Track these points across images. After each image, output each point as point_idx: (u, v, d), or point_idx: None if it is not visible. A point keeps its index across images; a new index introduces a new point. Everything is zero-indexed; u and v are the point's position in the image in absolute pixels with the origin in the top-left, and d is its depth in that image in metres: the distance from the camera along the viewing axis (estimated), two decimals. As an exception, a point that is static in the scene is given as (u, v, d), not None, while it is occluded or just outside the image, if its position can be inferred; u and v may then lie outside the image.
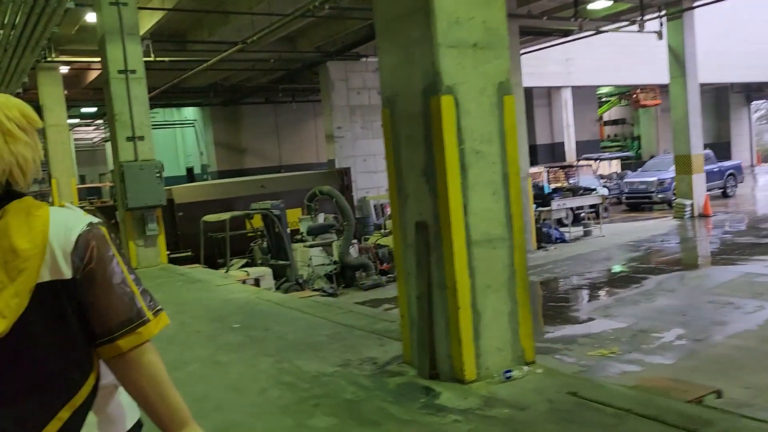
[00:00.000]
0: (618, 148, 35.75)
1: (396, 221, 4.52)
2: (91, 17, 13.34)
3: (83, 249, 1.38)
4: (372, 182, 21.53)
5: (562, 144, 27.45)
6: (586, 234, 16.99)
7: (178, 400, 1.46)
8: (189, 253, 14.24)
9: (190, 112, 28.62)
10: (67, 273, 1.36)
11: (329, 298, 7.48)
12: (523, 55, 22.68)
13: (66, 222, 1.39)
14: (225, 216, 12.22)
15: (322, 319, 6.20)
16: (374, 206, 20.61)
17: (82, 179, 34.06)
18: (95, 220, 1.43)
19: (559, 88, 26.58)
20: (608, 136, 37.65)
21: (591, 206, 18.67)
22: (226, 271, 11.68)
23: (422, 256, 4.18)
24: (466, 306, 4.01)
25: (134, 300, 1.43)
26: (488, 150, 4.15)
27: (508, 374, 4.05)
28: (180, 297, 8.10)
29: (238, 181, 17.89)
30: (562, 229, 16.75)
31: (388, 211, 21.31)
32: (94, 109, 27.26)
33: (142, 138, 11.23)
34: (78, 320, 1.39)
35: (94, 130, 33.63)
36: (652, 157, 29.14)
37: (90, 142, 35.61)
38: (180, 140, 30.32)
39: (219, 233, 14.28)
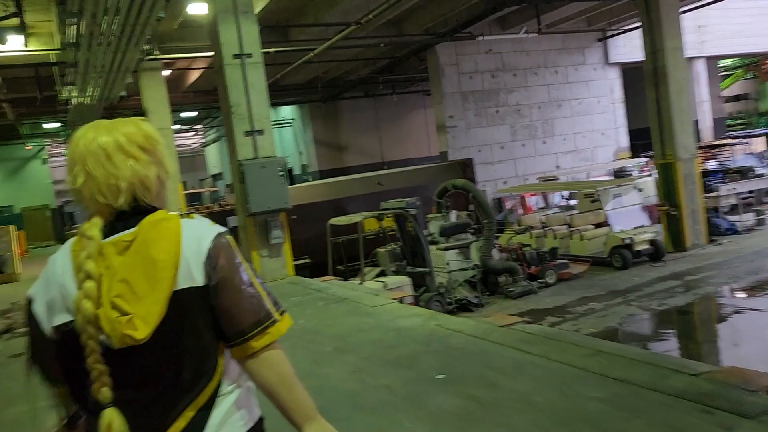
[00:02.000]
0: (742, 126, 31.93)
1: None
2: (192, 8, 11.86)
3: (214, 258, 1.44)
4: (489, 174, 19.35)
5: (695, 122, 24.20)
6: (760, 223, 14.18)
7: (305, 395, 1.50)
8: (307, 260, 12.61)
9: (287, 111, 27.31)
10: (200, 280, 1.42)
11: (537, 327, 5.42)
12: (636, 30, 19.96)
13: (197, 232, 1.46)
14: (356, 218, 10.42)
15: (566, 365, 4.17)
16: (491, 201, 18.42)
17: (184, 185, 33.63)
18: (222, 229, 1.50)
19: (691, 59, 23.38)
20: (729, 114, 33.76)
21: (750, 191, 15.80)
22: (361, 282, 9.88)
23: None
24: None
25: (262, 302, 1.47)
26: None
27: None
28: (332, 324, 6.28)
29: (352, 179, 16.17)
30: (730, 219, 14.05)
31: (507, 205, 19.10)
32: (194, 114, 26.42)
33: (261, 132, 9.58)
34: (209, 324, 1.44)
35: (193, 135, 33.01)
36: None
37: (189, 147, 35.08)
38: (278, 141, 29.06)
39: (339, 237, 12.60)
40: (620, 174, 20.00)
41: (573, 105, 21.00)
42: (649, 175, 18.91)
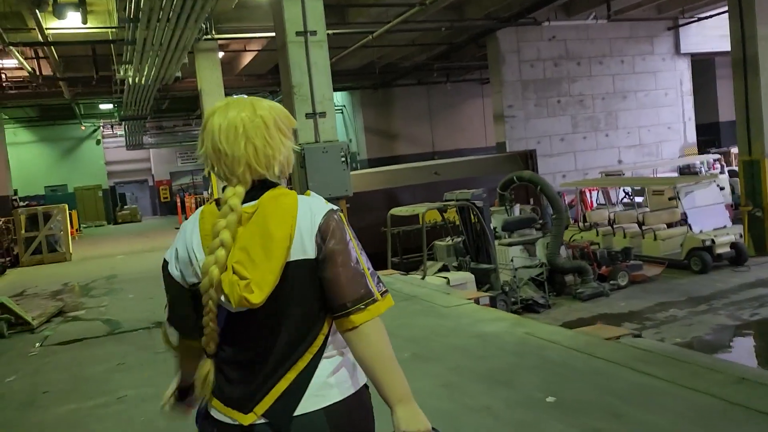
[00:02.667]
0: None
1: None
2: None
3: (325, 232, 1.51)
4: (548, 167, 18.42)
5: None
6: None
7: (401, 376, 1.54)
8: (361, 251, 12.02)
9: (337, 98, 26.76)
10: (312, 253, 1.50)
11: (651, 342, 4.71)
12: (714, 17, 18.72)
13: (311, 208, 1.53)
14: (420, 209, 9.78)
15: (703, 394, 3.46)
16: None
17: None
18: (335, 207, 1.57)
19: (766, 52, 21.95)
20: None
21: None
22: (423, 277, 9.25)
23: None
24: None
25: (365, 280, 1.53)
26: None
27: None
28: (405, 325, 5.66)
29: (407, 168, 15.51)
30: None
31: (566, 199, 18.15)
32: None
33: (323, 115, 9.00)
34: (317, 294, 1.52)
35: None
36: None
37: (237, 133, 34.94)
38: (327, 128, 28.59)
39: (395, 228, 11.98)
40: (687, 171, 18.87)
41: (639, 97, 19.89)
42: (721, 173, 17.80)
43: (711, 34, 19.97)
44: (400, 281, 7.84)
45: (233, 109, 1.55)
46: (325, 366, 1.53)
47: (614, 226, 12.97)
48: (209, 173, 1.76)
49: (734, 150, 20.96)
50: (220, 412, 1.54)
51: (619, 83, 19.65)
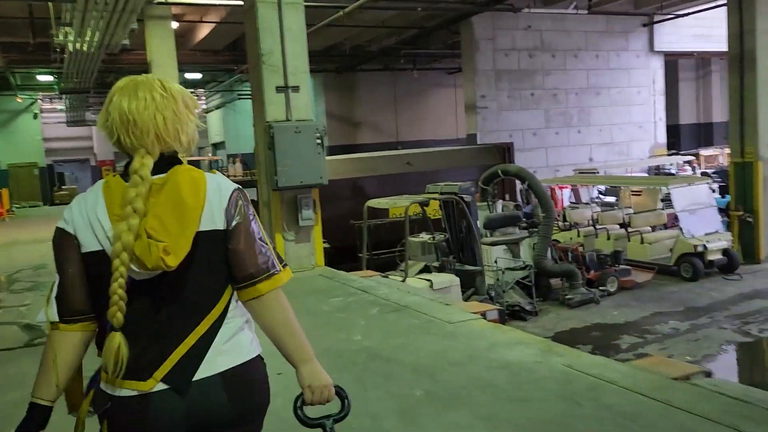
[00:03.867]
0: None
1: None
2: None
3: (233, 207, 1.60)
4: (519, 162, 17.34)
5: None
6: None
7: (304, 338, 1.65)
8: (326, 245, 10.84)
9: (298, 81, 25.31)
10: (221, 225, 1.58)
11: (742, 388, 3.69)
12: (691, 15, 18.24)
13: (219, 184, 1.62)
14: (402, 202, 8.65)
15: None
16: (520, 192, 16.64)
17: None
18: (238, 186, 1.65)
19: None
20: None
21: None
22: (404, 279, 8.14)
23: None
24: None
25: (270, 252, 1.63)
26: None
27: None
28: (404, 347, 4.54)
29: (377, 156, 14.34)
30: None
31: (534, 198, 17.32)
32: (198, 76, 24.39)
33: (297, 89, 7.77)
34: (223, 264, 1.59)
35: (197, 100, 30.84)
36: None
37: (190, 113, 32.94)
38: (285, 112, 27.13)
39: (361, 221, 10.85)
40: (657, 172, 18.36)
41: (612, 94, 19.22)
42: (693, 174, 17.31)
43: (686, 33, 19.50)
44: (383, 285, 6.69)
45: (142, 83, 1.59)
46: (224, 333, 1.57)
47: (597, 227, 12.14)
48: (115, 144, 1.62)
49: (704, 152, 20.67)
50: (117, 387, 1.52)
51: (593, 78, 18.94)
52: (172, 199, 1.51)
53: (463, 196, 8.76)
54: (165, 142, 1.57)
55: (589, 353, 4.58)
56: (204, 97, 30.09)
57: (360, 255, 10.99)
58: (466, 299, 8.64)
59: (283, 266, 1.63)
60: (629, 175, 16.66)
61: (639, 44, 19.50)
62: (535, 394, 3.58)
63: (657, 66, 19.89)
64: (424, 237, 10.13)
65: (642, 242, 11.08)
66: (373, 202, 9.24)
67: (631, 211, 12.17)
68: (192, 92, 30.04)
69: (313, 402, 1.63)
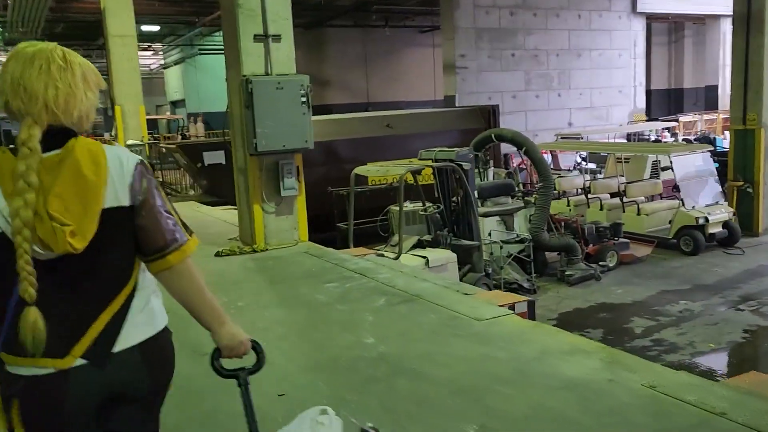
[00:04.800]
0: None
1: None
2: None
3: (138, 182, 1.56)
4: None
5: (714, 87, 22.01)
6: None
7: (216, 304, 1.68)
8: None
9: (263, 37, 23.72)
10: (126, 201, 1.55)
11: None
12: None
13: (120, 158, 1.56)
14: (396, 170, 7.65)
15: None
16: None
17: (139, 111, 29.59)
18: (140, 157, 1.60)
19: (717, 17, 21.06)
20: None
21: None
22: (398, 256, 7.22)
23: None
24: None
25: (176, 224, 1.62)
26: None
27: None
28: (434, 360, 3.63)
29: (352, 118, 13.20)
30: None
31: (513, 163, 16.50)
32: (156, 28, 22.54)
33: (278, 38, 6.66)
34: (131, 241, 1.58)
35: (153, 55, 28.89)
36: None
37: (147, 69, 30.78)
38: (249, 70, 25.51)
39: (343, 189, 9.87)
40: (636, 139, 17.75)
41: (593, 56, 18.43)
42: (675, 142, 16.75)
43: (670, -6, 18.78)
44: (383, 267, 5.75)
45: (41, 52, 1.54)
46: (137, 305, 1.59)
47: (589, 196, 11.39)
48: (3, 109, 1.54)
49: (683, 118, 20.15)
50: (29, 366, 1.48)
51: (574, 40, 18.08)
52: (71, 176, 1.47)
53: (462, 163, 7.81)
54: (54, 115, 1.51)
55: (642, 358, 3.74)
56: (162, 52, 28.18)
57: (339, 226, 10.08)
58: (462, 277, 7.81)
59: (190, 235, 1.64)
60: (611, 141, 15.95)
61: (621, 5, 18.67)
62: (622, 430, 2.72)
63: (639, 28, 19.15)
64: (411, 207, 9.19)
65: (639, 213, 10.38)
66: (362, 169, 8.22)
67: (623, 180, 11.44)
68: (148, 47, 28.01)
69: (231, 356, 1.69)
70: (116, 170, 1.52)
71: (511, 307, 4.51)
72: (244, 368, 1.70)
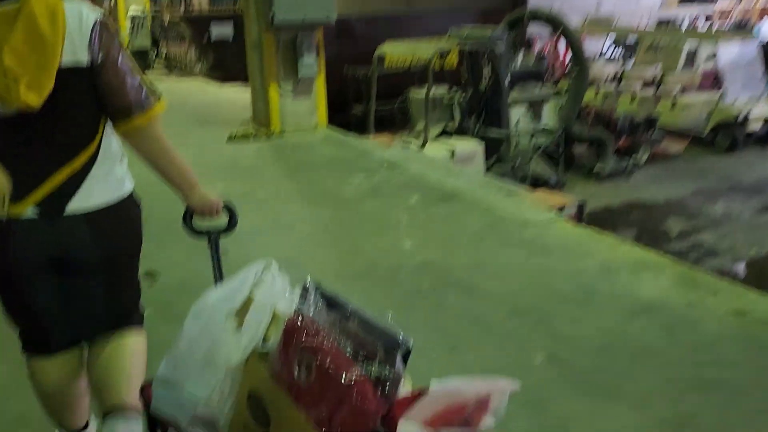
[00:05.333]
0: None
1: None
2: None
3: (98, 39, 1.48)
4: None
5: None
6: None
7: (185, 166, 1.65)
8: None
9: None
10: (85, 61, 1.47)
11: None
12: None
13: (80, 14, 1.47)
14: (426, 49, 6.90)
15: None
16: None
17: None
18: (101, 13, 1.51)
19: None
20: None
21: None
22: (423, 146, 6.66)
23: None
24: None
25: (143, 85, 1.55)
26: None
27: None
28: (482, 269, 3.21)
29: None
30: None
31: (536, 48, 15.41)
32: None
33: None
34: (93, 102, 1.52)
35: None
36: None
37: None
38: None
39: (357, 70, 9.12)
40: (668, 26, 16.52)
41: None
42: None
43: None
44: (412, 159, 5.21)
45: None
46: (98, 168, 1.54)
47: (619, 85, 10.59)
48: None
49: (719, 5, 18.70)
50: None
51: None
52: (27, 31, 1.39)
53: (496, 45, 7.04)
54: None
55: (719, 278, 3.30)
56: None
57: (354, 113, 9.42)
58: (488, 168, 7.29)
59: (158, 98, 1.57)
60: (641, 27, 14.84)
61: None
62: (726, 375, 2.30)
63: None
64: (432, 92, 8.48)
65: (673, 106, 9.67)
66: (387, 48, 7.43)
67: (659, 68, 10.59)
68: None
69: (203, 216, 1.68)
70: (75, 26, 1.45)
71: (561, 208, 4.02)
72: (218, 229, 1.67)
